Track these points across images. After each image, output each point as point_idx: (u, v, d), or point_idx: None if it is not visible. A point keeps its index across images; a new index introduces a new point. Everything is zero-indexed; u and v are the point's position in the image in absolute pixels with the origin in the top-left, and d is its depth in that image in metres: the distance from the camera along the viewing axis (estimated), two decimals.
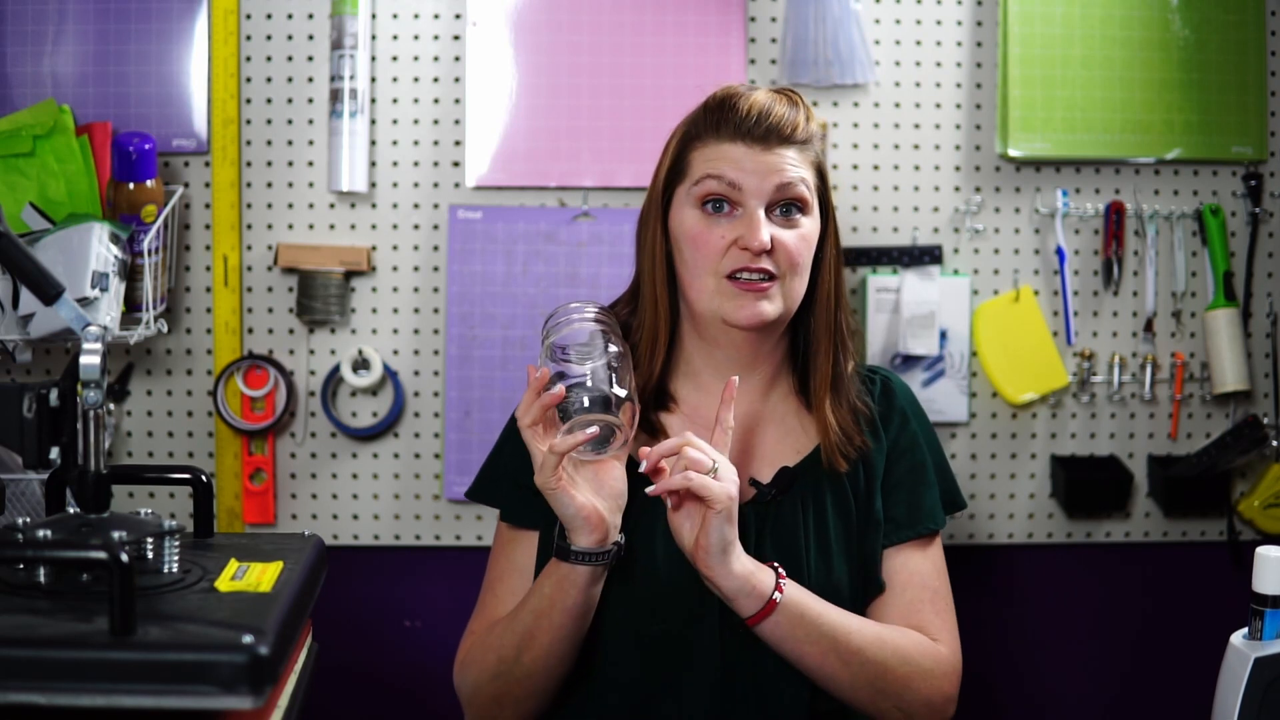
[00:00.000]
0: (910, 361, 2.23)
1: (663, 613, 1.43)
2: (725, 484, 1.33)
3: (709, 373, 1.53)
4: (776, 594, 1.37)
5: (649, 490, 1.35)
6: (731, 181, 1.45)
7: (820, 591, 1.44)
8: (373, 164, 2.19)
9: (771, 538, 1.47)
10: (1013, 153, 2.22)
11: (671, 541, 1.42)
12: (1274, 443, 2.24)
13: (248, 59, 2.17)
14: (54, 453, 1.20)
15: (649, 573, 1.45)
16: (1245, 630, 1.25)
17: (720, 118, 1.47)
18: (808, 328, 1.53)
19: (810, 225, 1.48)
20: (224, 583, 1.16)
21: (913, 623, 1.48)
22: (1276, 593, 1.23)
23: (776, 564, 1.41)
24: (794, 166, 1.46)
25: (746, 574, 1.36)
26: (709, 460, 1.33)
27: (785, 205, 1.46)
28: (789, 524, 1.48)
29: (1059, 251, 2.23)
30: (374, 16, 2.18)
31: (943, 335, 2.23)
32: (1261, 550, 1.24)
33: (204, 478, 1.34)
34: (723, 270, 1.45)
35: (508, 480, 1.53)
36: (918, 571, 1.51)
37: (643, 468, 1.36)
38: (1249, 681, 1.21)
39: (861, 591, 1.50)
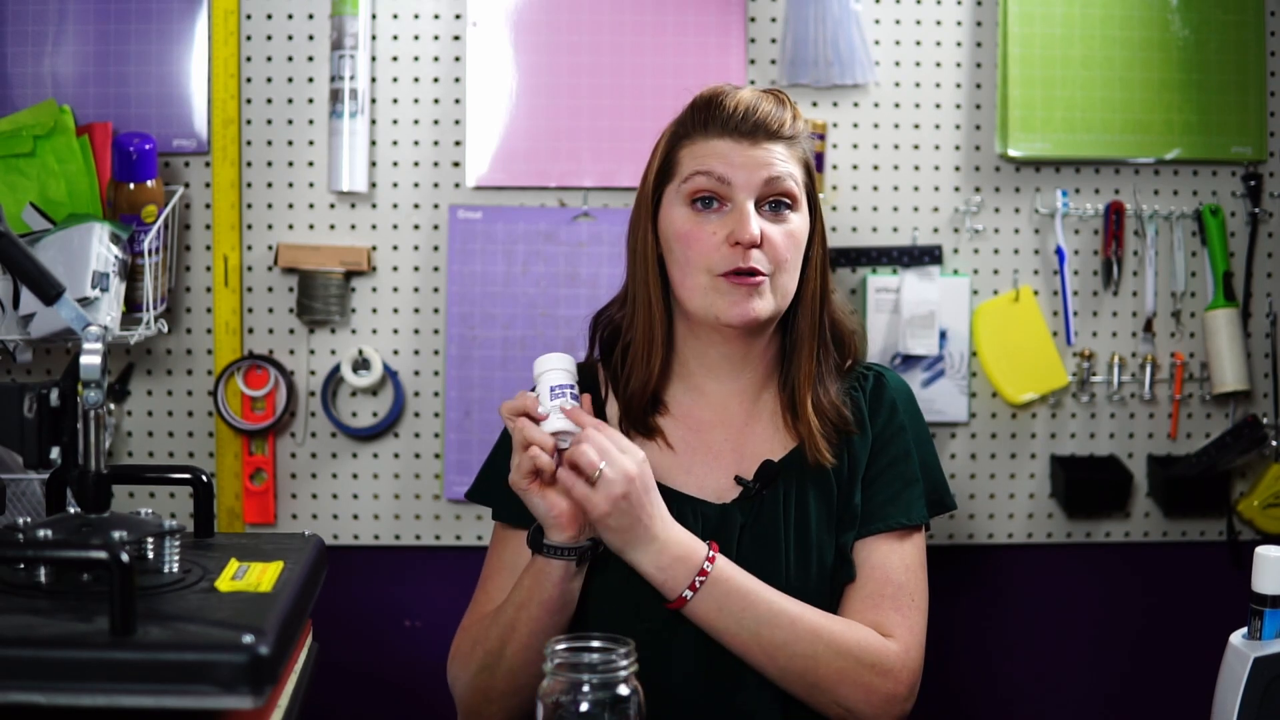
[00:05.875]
0: (910, 361, 2.23)
1: (646, 610, 1.43)
2: (602, 494, 1.34)
3: (703, 374, 1.53)
4: (688, 592, 1.39)
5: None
6: (720, 176, 1.45)
7: (796, 590, 1.44)
8: (373, 164, 2.19)
9: (752, 534, 1.47)
10: (1013, 153, 2.22)
11: None
12: (1273, 443, 2.25)
13: (248, 59, 2.17)
14: (54, 453, 1.20)
15: (633, 574, 1.45)
16: (1245, 630, 1.25)
17: (708, 115, 1.48)
18: (794, 326, 1.53)
19: (799, 222, 1.48)
20: (224, 583, 1.16)
21: (869, 618, 1.46)
22: (1276, 592, 1.23)
23: (712, 548, 1.41)
24: (782, 161, 1.46)
25: (657, 568, 1.38)
26: (596, 465, 1.34)
27: (774, 201, 1.46)
28: (770, 521, 1.47)
29: (1059, 251, 2.23)
30: (374, 16, 2.18)
31: (943, 335, 2.23)
32: (1261, 550, 1.24)
33: (204, 478, 1.34)
34: (715, 268, 1.45)
35: (500, 480, 1.54)
36: (881, 566, 1.48)
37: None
38: (1248, 681, 1.21)
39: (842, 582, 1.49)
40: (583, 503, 1.35)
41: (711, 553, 1.40)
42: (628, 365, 1.53)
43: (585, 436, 1.36)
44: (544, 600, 1.41)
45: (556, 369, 1.40)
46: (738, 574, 1.41)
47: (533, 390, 1.41)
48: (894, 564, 1.49)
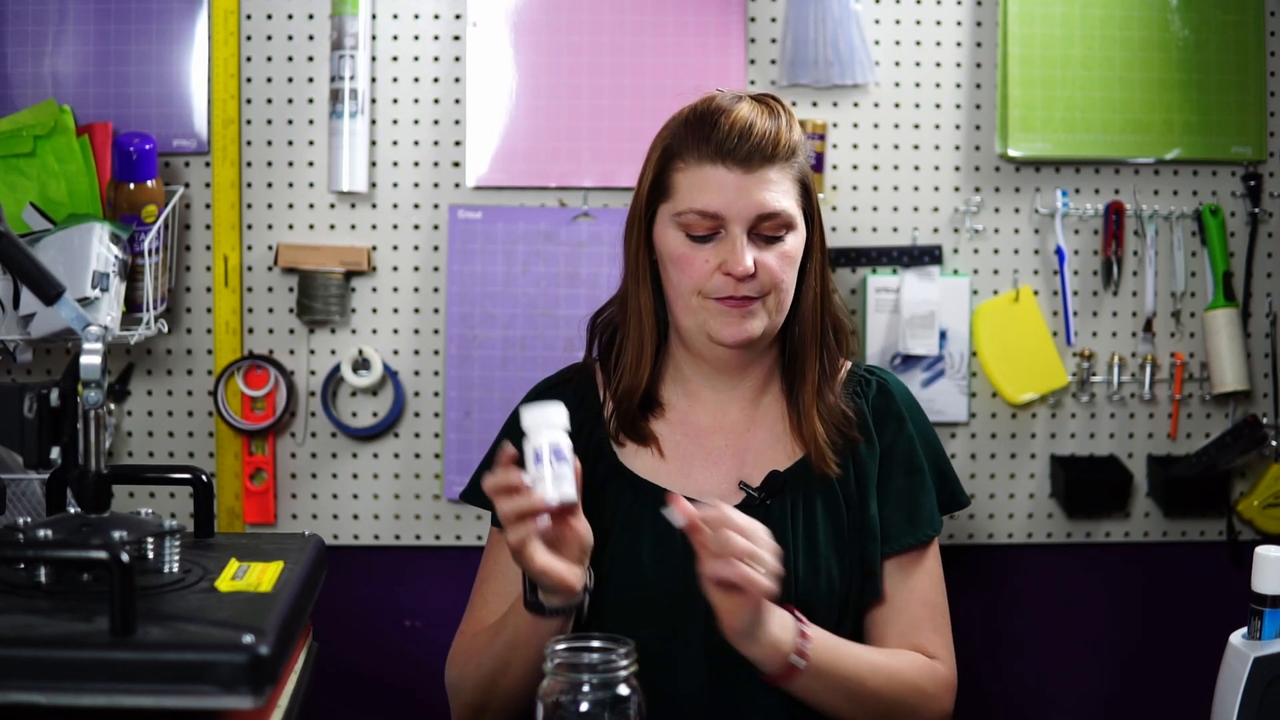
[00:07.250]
0: (910, 361, 2.23)
1: (651, 618, 1.43)
2: (765, 577, 1.29)
3: (699, 381, 1.53)
4: (798, 659, 1.35)
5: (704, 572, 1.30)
6: (715, 213, 1.43)
7: (807, 599, 1.44)
8: (373, 164, 2.19)
9: None
10: (1013, 153, 2.22)
11: (658, 548, 1.44)
12: (1273, 443, 2.25)
13: (248, 59, 2.17)
14: (54, 453, 1.20)
15: (636, 579, 1.45)
16: (1245, 630, 1.25)
17: (701, 136, 1.44)
18: (795, 333, 1.52)
19: (794, 241, 1.46)
20: (224, 583, 1.16)
21: (912, 642, 1.49)
22: (1276, 592, 1.23)
23: (803, 625, 1.37)
24: (776, 188, 1.44)
25: (772, 645, 1.34)
26: (751, 551, 1.29)
27: (768, 228, 1.45)
28: (777, 530, 1.45)
29: (1059, 251, 2.23)
30: (374, 16, 2.18)
31: (942, 335, 2.23)
32: (1261, 550, 1.24)
33: (204, 478, 1.34)
34: (708, 292, 1.44)
35: None
36: (917, 589, 1.51)
37: (678, 522, 1.30)
38: (1248, 681, 1.21)
39: (857, 596, 1.49)
40: (746, 586, 1.27)
41: (804, 630, 1.37)
42: (619, 370, 1.53)
43: (727, 520, 1.28)
44: (541, 645, 1.36)
45: (542, 426, 1.30)
46: (825, 647, 1.39)
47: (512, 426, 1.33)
48: (925, 585, 1.52)
